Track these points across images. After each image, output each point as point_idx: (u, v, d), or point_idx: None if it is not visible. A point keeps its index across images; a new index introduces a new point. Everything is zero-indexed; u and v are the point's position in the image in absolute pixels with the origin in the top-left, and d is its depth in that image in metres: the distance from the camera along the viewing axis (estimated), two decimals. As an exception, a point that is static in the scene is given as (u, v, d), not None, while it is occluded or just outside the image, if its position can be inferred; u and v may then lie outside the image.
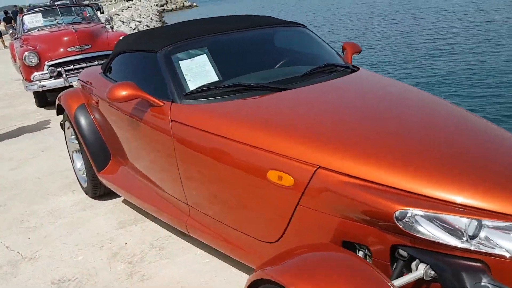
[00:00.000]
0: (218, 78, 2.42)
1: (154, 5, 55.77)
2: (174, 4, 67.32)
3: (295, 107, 2.12)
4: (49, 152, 5.01)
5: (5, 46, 19.34)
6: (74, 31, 7.05)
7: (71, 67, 6.98)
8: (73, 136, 3.65)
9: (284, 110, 2.08)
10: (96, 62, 7.10)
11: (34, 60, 6.81)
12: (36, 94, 7.12)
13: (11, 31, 8.31)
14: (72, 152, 3.81)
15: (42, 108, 7.26)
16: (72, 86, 6.88)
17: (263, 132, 1.91)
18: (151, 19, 38.82)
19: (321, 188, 1.66)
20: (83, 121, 3.37)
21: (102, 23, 8.37)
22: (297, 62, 2.82)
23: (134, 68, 2.97)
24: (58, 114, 3.89)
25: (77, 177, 3.80)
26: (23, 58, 6.75)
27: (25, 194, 3.90)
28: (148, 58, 2.68)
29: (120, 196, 3.45)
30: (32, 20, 7.91)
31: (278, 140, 1.84)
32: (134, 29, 24.51)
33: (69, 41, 6.99)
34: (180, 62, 2.49)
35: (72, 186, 3.90)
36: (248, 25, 2.83)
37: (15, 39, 7.88)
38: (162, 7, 61.12)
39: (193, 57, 2.52)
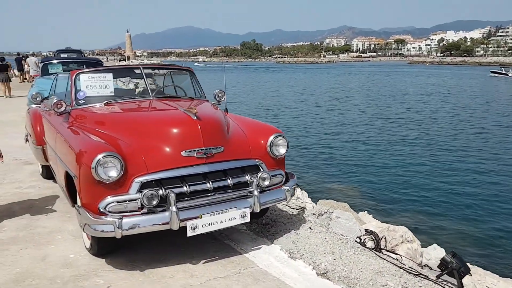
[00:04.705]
0: None
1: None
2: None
3: None
4: None
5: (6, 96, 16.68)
6: (194, 117, 3.50)
7: (184, 189, 3.35)
8: None
9: None
10: (229, 182, 3.53)
11: (113, 173, 3.16)
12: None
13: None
14: None
15: (104, 261, 3.51)
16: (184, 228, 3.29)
17: None
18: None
19: None
20: None
21: (206, 99, 4.89)
22: None
23: None
24: None
25: None
26: (93, 166, 3.11)
27: None
28: None
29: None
30: (95, 84, 4.33)
31: None
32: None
33: (186, 137, 3.44)
34: None
35: None
36: None
37: (61, 113, 4.22)
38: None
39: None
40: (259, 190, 3.61)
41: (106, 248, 3.59)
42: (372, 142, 18.14)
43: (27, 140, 6.21)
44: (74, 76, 4.40)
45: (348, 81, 61.76)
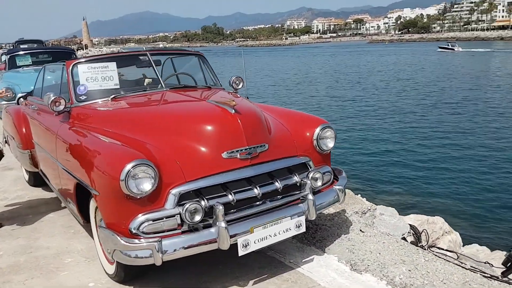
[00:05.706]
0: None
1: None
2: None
3: None
4: None
5: None
6: (232, 110, 2.90)
7: (230, 198, 2.77)
8: None
9: None
10: (277, 185, 2.98)
11: (147, 185, 2.55)
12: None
13: None
14: None
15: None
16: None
17: None
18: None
19: None
20: None
21: (222, 87, 4.28)
22: None
23: None
24: None
25: None
26: (122, 178, 2.48)
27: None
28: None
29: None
30: (97, 76, 3.63)
31: None
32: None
33: (225, 136, 2.85)
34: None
35: None
36: None
37: (59, 112, 3.51)
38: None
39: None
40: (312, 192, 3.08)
41: (135, 274, 2.98)
42: (354, 124, 17.92)
43: (6, 142, 5.41)
44: (70, 67, 3.68)
45: (313, 63, 61.82)
